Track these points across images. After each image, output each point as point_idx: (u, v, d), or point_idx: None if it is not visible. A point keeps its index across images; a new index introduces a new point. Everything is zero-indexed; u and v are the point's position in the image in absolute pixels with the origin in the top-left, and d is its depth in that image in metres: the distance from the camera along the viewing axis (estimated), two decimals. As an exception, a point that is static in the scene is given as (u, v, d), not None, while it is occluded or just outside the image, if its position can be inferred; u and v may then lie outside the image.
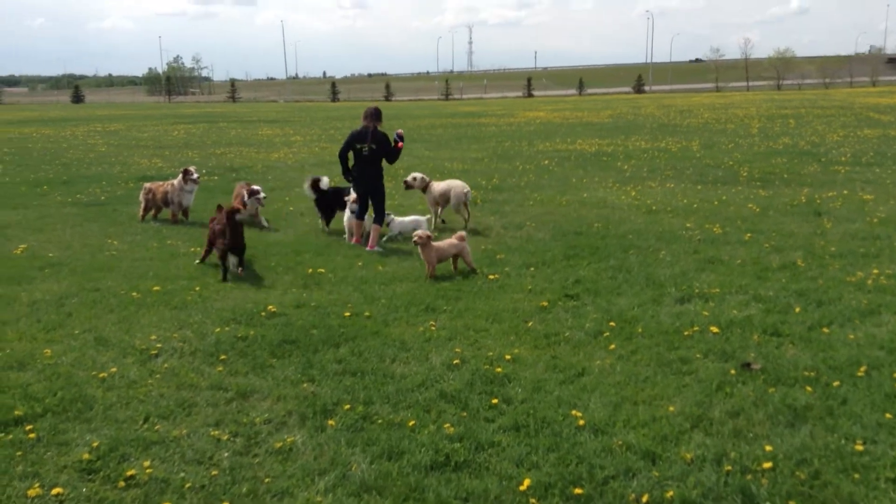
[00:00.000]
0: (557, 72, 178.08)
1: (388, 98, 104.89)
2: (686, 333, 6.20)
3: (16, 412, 4.94)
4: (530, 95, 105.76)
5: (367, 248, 9.57)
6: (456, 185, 10.92)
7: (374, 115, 9.70)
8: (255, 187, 11.46)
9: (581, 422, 4.66)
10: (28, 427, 4.76)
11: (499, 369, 5.53)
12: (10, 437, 4.67)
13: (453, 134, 31.13)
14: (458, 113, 52.26)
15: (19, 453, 4.47)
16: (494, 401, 5.01)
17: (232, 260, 8.43)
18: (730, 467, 4.12)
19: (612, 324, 6.47)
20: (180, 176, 11.96)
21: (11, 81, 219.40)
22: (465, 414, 4.87)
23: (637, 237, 9.85)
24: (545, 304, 7.09)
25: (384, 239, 10.04)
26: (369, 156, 9.60)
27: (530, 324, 6.56)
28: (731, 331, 6.24)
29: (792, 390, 5.09)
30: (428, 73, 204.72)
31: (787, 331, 6.24)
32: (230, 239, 8.27)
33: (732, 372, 5.39)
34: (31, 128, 40.10)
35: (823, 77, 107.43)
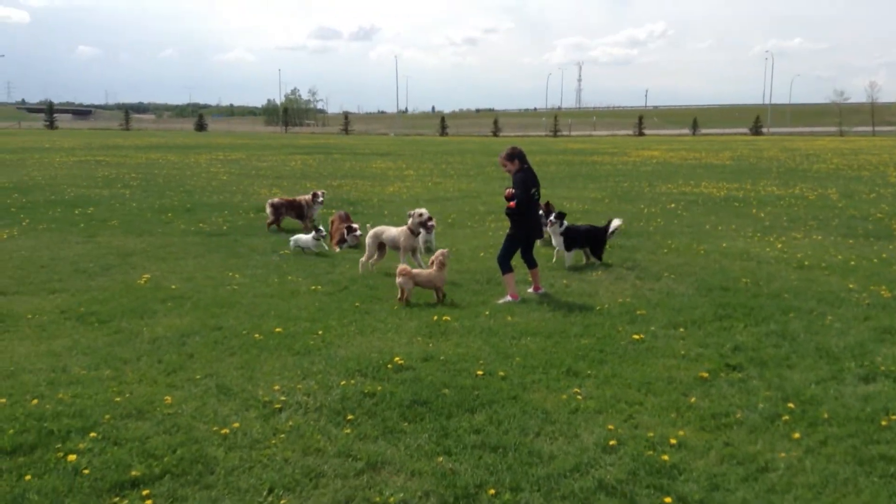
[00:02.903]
0: (669, 111, 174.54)
1: (495, 133, 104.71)
2: (883, 423, 5.25)
3: (133, 472, 4.54)
4: (641, 134, 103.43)
5: (538, 292, 9.15)
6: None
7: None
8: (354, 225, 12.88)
9: (781, 539, 3.85)
10: (145, 492, 4.34)
11: (665, 457, 4.76)
12: (126, 502, 4.26)
13: (567, 172, 30.35)
14: (568, 150, 51.42)
15: (135, 523, 4.05)
16: (668, 500, 4.25)
17: None
18: None
19: (790, 405, 5.57)
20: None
21: (140, 108, 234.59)
22: (632, 514, 4.14)
23: (794, 297, 8.81)
24: (705, 374, 6.24)
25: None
26: (537, 200, 9.16)
27: (693, 400, 5.74)
28: (940, 425, 5.24)
29: None
30: (535, 109, 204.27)
31: None
32: None
33: (958, 482, 4.43)
34: (157, 153, 41.91)
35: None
